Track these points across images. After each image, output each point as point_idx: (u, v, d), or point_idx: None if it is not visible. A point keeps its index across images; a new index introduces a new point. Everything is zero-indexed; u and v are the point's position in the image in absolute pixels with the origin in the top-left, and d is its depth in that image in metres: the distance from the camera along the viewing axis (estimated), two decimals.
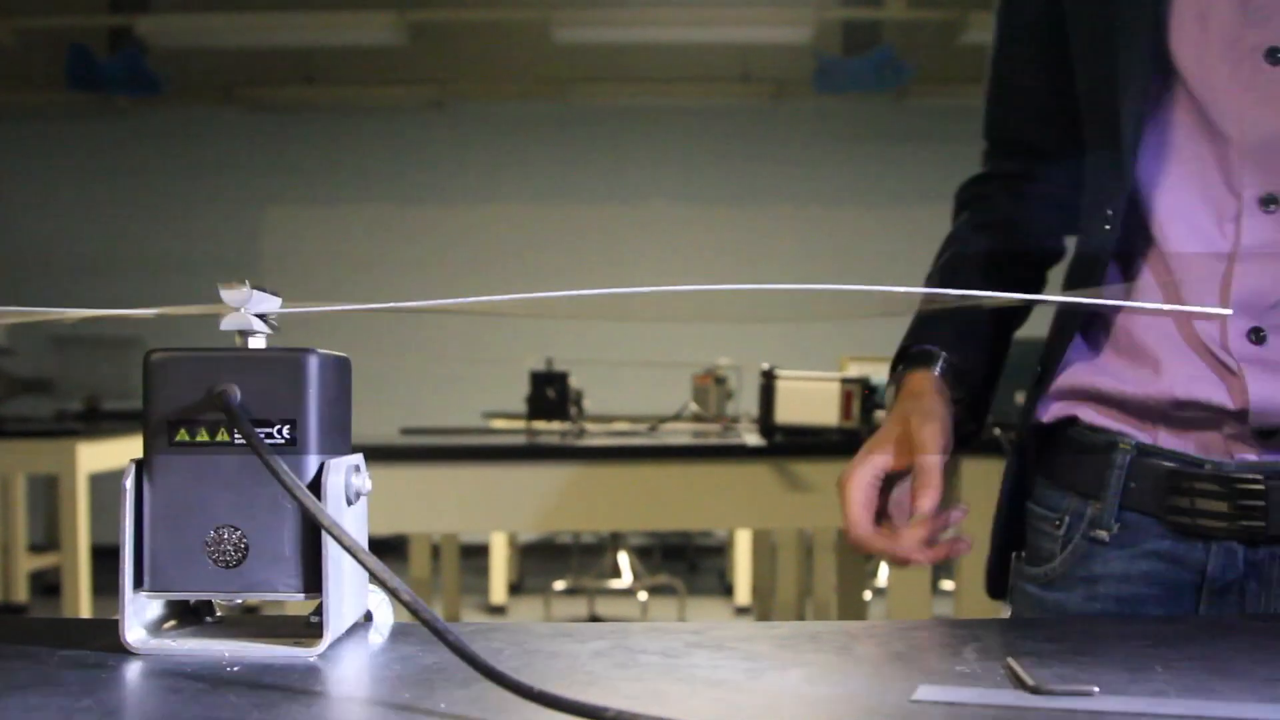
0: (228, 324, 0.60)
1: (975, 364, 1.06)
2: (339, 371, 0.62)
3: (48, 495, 5.76)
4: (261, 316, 0.60)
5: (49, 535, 5.82)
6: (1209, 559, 0.91)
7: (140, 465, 0.60)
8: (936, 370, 1.03)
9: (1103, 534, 0.95)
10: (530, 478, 2.45)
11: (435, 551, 4.46)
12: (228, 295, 0.59)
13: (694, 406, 3.23)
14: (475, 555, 5.60)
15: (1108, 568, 0.95)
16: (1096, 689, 0.52)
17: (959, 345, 1.05)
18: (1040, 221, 1.11)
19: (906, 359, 1.06)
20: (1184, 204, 0.93)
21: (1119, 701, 0.51)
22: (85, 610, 3.77)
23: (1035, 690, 0.52)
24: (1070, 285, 1.00)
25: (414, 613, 0.53)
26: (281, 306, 0.61)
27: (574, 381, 2.99)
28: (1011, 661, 0.57)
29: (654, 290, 0.59)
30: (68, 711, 0.50)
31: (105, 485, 2.97)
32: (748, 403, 3.08)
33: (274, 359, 0.59)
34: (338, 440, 0.62)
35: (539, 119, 7.60)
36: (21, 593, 5.29)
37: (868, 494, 0.96)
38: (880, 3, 6.76)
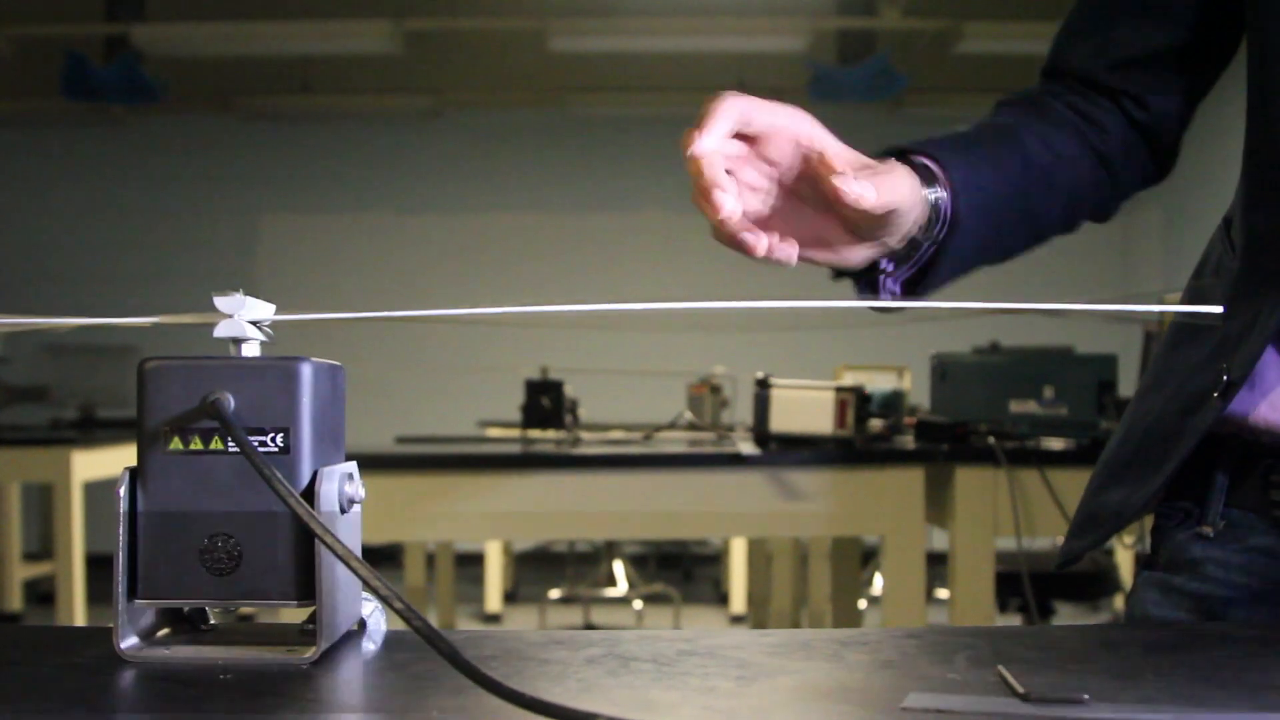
0: (221, 331, 0.60)
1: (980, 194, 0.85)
2: (333, 379, 0.62)
3: (42, 503, 5.75)
4: (255, 324, 0.60)
5: (43, 544, 5.81)
6: None
7: (134, 473, 0.60)
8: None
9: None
10: (525, 486, 2.45)
11: (430, 560, 4.46)
12: (221, 302, 0.60)
13: (689, 415, 3.23)
14: (470, 564, 5.60)
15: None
16: (1087, 696, 0.53)
17: (966, 167, 0.85)
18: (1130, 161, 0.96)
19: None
20: None
21: (1109, 709, 0.52)
22: (80, 619, 3.77)
23: (1025, 697, 0.53)
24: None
25: (406, 620, 0.53)
26: (275, 314, 0.62)
27: (569, 390, 2.99)
28: (1002, 669, 0.57)
29: (650, 307, 0.60)
30: (61, 719, 0.50)
31: (100, 493, 2.97)
32: (743, 412, 3.08)
33: (268, 367, 0.60)
34: (331, 448, 0.62)
35: (535, 128, 7.61)
36: (16, 601, 5.27)
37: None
38: (875, 12, 6.77)
